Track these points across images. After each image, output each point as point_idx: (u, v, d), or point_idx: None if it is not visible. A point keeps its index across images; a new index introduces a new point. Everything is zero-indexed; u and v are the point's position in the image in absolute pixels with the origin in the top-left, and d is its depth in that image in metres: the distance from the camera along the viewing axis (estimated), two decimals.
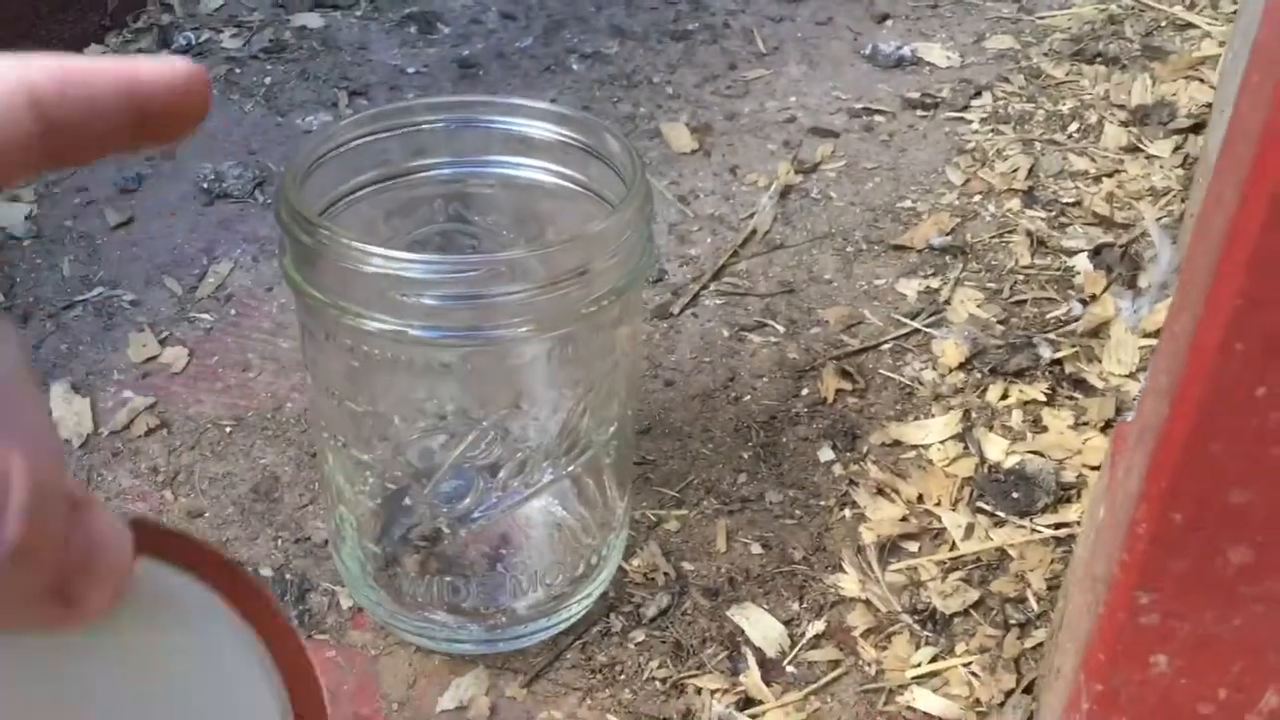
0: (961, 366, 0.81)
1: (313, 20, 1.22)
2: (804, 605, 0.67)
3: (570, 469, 0.59)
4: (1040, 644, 0.64)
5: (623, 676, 0.63)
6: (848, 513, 0.72)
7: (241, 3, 1.25)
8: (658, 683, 0.62)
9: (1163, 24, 1.21)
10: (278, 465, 0.74)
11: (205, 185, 0.97)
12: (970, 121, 1.07)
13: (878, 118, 1.08)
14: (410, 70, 1.14)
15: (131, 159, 1.01)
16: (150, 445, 0.76)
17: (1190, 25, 1.21)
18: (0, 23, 1.06)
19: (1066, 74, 1.13)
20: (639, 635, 0.65)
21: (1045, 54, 1.17)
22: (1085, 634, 0.45)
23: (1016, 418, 0.77)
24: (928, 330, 0.84)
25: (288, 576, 0.67)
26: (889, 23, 1.23)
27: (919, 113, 1.09)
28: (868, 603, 0.67)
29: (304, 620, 0.65)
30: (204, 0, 1.24)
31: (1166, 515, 0.39)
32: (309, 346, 0.57)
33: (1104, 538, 0.46)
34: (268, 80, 1.12)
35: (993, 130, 1.06)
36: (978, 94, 1.11)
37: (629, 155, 0.57)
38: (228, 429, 0.77)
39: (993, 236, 0.93)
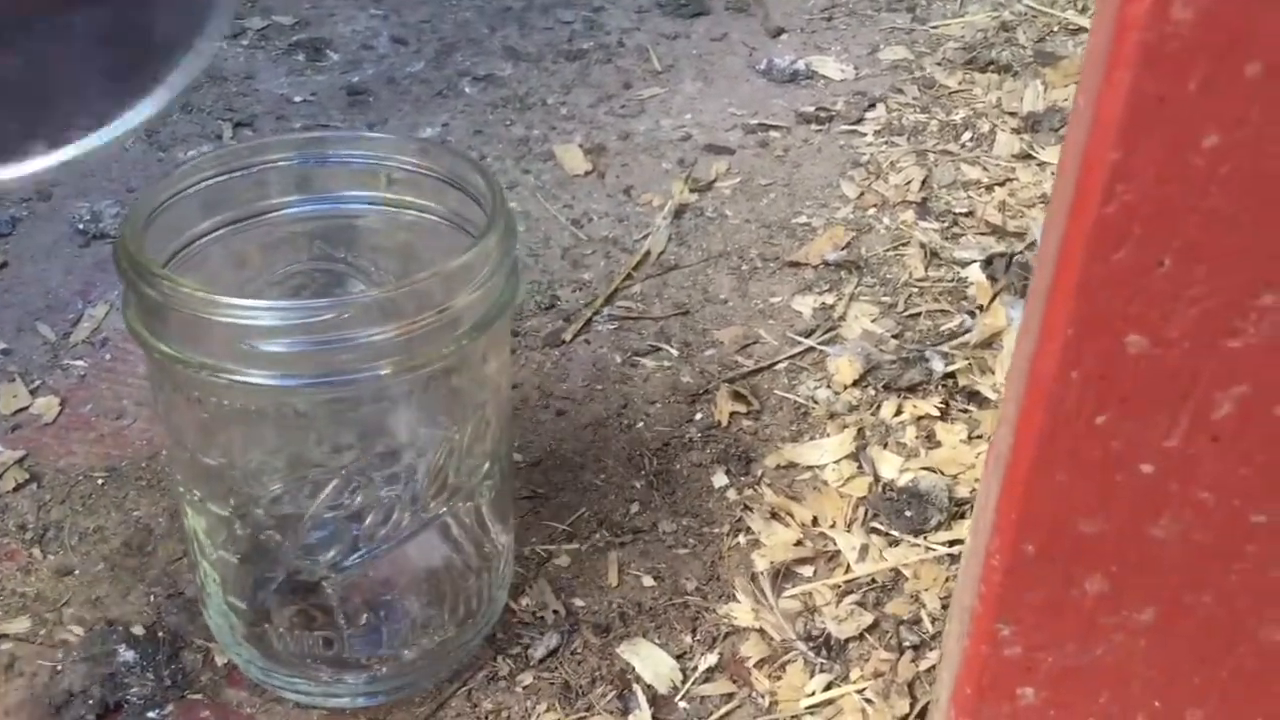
0: (856, 384, 0.80)
1: None
2: (697, 638, 0.65)
3: (441, 513, 0.57)
4: (934, 666, 0.63)
5: None
6: (742, 539, 0.71)
7: None
8: None
9: (1055, 29, 1.22)
10: (151, 517, 0.71)
11: (81, 226, 0.94)
12: (864, 134, 1.07)
13: (773, 133, 1.08)
14: (297, 99, 1.12)
15: (5, 202, 0.98)
16: (19, 501, 0.73)
17: (1082, 30, 1.21)
18: None
19: (960, 83, 1.13)
20: (526, 678, 0.63)
21: (939, 63, 1.17)
22: (955, 666, 0.44)
23: (910, 434, 0.77)
24: (822, 348, 0.83)
25: (160, 634, 0.64)
26: (784, 37, 1.23)
27: (814, 127, 1.08)
28: (761, 632, 0.66)
29: (177, 680, 0.63)
30: None
31: (1019, 546, 0.38)
32: (159, 399, 0.55)
33: (969, 566, 0.45)
34: None
35: (887, 142, 1.05)
36: (872, 106, 1.10)
37: (489, 185, 0.55)
38: (100, 480, 0.74)
39: (887, 250, 0.93)
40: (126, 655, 0.63)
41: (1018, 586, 0.39)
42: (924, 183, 0.99)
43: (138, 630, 0.65)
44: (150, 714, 0.61)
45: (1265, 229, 0.32)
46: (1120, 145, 0.31)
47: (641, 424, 0.78)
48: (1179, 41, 0.29)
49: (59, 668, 0.63)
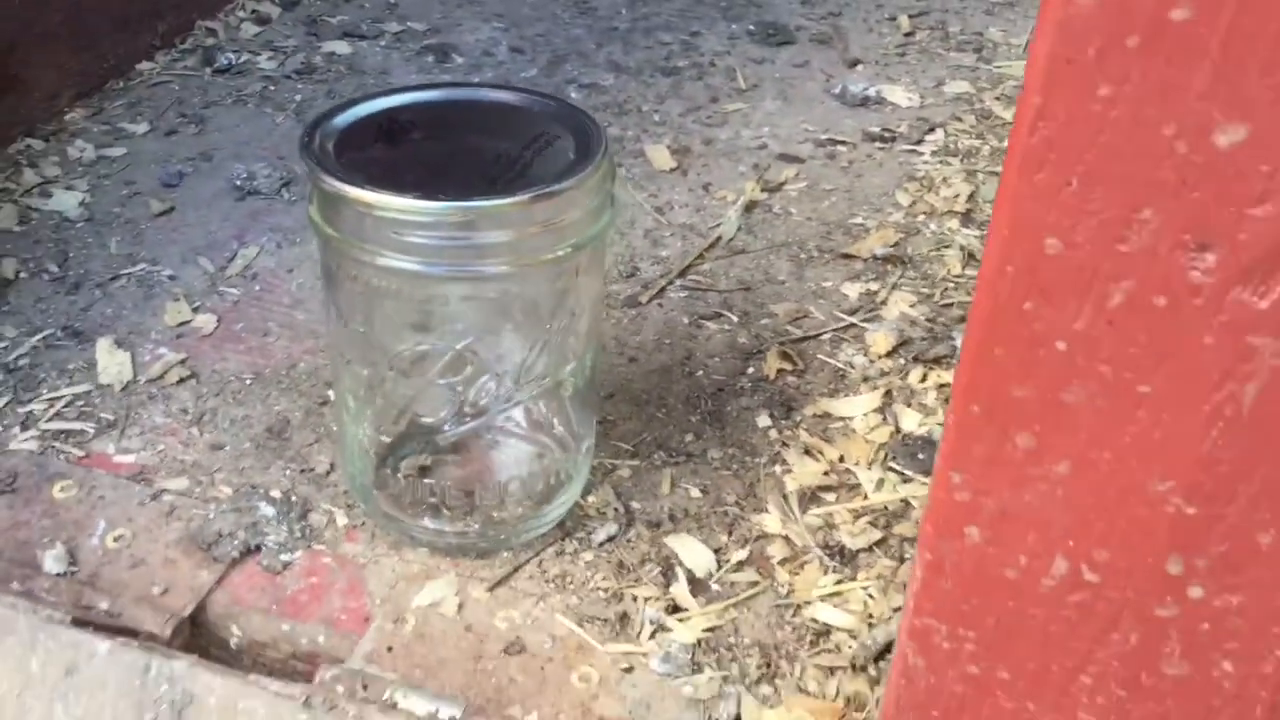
0: (889, 354, 0.93)
1: (341, 47, 1.35)
2: (731, 538, 0.78)
3: (532, 394, 0.70)
4: None
5: (571, 586, 0.74)
6: (778, 468, 0.83)
7: (279, 29, 1.39)
8: (601, 592, 0.74)
9: None
10: (289, 411, 0.86)
11: (238, 183, 1.10)
12: (922, 154, 1.20)
13: (840, 147, 1.21)
14: None
15: (174, 160, 1.14)
16: (181, 392, 0.88)
17: None
18: (66, 37, 1.20)
19: (1014, 116, 1.25)
20: (588, 555, 0.76)
21: (997, 98, 1.29)
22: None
23: (931, 397, 0.89)
24: (863, 324, 0.96)
25: (293, 499, 0.79)
26: (859, 68, 1.36)
27: (878, 144, 1.21)
28: (787, 538, 0.78)
29: (305, 534, 0.77)
30: (244, 26, 1.38)
31: (968, 407, 0.51)
32: (326, 276, 0.69)
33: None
34: (298, 97, 1.26)
35: (941, 161, 1.18)
36: (931, 130, 1.23)
37: (599, 135, 0.69)
38: (248, 381, 0.89)
39: (931, 250, 1.05)
40: (266, 510, 0.78)
41: (966, 440, 0.52)
42: (970, 196, 1.12)
43: (276, 494, 0.79)
44: (283, 556, 0.75)
45: (1141, 160, 0.44)
46: (1041, 93, 0.44)
47: (701, 373, 0.91)
48: (1081, 21, 0.42)
49: (210, 515, 0.77)
